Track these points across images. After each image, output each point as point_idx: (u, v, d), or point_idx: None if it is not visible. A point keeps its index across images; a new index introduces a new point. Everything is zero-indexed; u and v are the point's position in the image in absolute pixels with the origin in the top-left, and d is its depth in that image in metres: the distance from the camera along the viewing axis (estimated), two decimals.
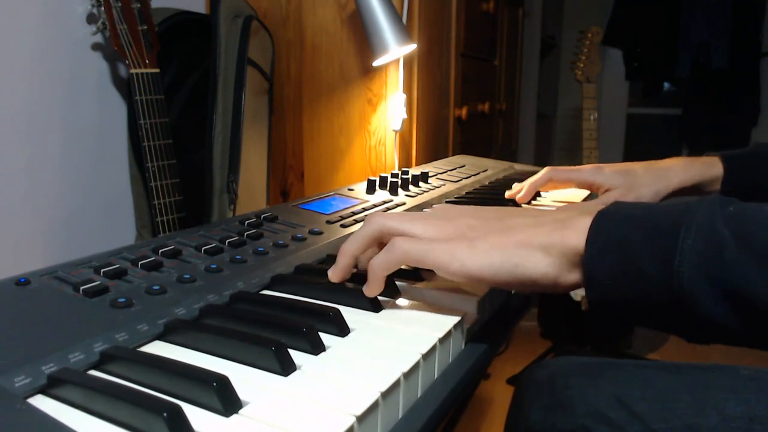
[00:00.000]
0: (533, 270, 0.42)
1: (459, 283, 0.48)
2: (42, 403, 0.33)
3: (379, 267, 0.45)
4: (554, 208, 0.57)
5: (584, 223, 0.42)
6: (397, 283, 0.50)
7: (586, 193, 0.94)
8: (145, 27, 1.01)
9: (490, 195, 0.94)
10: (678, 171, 0.81)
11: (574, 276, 0.42)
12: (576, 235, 0.41)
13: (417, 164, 1.34)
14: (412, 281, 0.52)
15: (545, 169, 0.86)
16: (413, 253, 0.44)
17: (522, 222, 0.45)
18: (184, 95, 1.17)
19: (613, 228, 0.40)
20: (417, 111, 1.34)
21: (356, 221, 0.69)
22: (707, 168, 0.81)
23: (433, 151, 1.46)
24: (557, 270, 0.42)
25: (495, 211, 0.49)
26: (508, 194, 0.87)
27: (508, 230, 0.44)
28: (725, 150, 0.83)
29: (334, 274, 0.49)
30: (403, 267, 0.49)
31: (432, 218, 0.48)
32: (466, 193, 0.95)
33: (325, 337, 0.41)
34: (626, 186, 0.80)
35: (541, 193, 0.93)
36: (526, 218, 0.46)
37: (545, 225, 0.44)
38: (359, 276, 0.50)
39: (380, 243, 0.49)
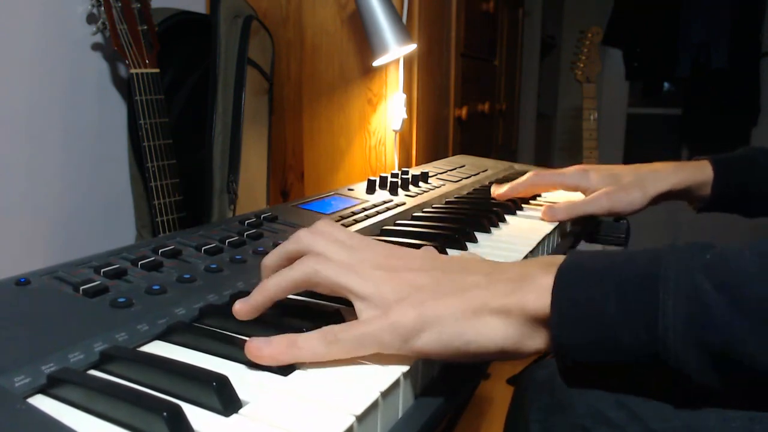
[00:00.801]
0: (488, 345, 0.37)
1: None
2: (42, 403, 0.33)
3: (307, 357, 0.37)
4: (511, 261, 0.49)
5: (545, 282, 0.37)
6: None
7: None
8: (145, 27, 1.01)
9: (490, 195, 0.94)
10: (667, 174, 0.79)
11: (537, 341, 0.38)
12: (536, 297, 0.37)
13: (417, 164, 1.34)
14: None
15: (529, 174, 0.85)
16: (350, 346, 0.37)
17: (473, 281, 0.39)
18: (184, 95, 1.17)
19: (579, 289, 0.36)
20: (417, 111, 1.34)
21: (356, 221, 0.69)
22: (697, 172, 0.79)
23: (433, 151, 1.46)
24: (516, 338, 0.37)
25: (443, 262, 0.42)
26: (493, 193, 0.87)
27: (458, 291, 0.38)
28: (725, 150, 0.82)
29: (242, 309, 0.41)
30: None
31: (371, 267, 0.41)
32: (467, 193, 0.95)
33: None
34: (614, 185, 0.78)
35: (542, 193, 0.93)
36: (477, 275, 0.40)
37: (499, 284, 0.38)
38: None
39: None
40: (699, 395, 0.36)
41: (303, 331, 0.39)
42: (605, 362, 0.36)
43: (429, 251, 0.46)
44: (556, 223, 0.76)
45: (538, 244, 0.66)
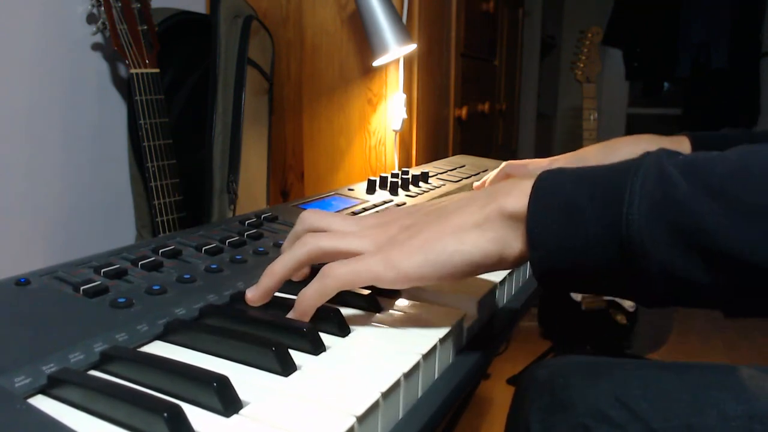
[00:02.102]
0: (472, 251, 0.39)
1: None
2: (42, 403, 0.33)
3: (312, 298, 0.42)
4: None
5: (525, 186, 0.39)
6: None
7: None
8: (145, 27, 1.01)
9: None
10: (640, 146, 0.73)
11: (518, 245, 0.39)
12: (516, 199, 0.39)
13: (417, 164, 1.34)
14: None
15: (502, 164, 0.83)
16: (347, 277, 0.41)
17: (455, 206, 0.42)
18: (184, 95, 1.17)
19: (556, 186, 0.38)
20: (417, 111, 1.34)
21: None
22: (674, 146, 0.73)
23: (433, 151, 1.46)
24: (499, 243, 0.39)
25: (433, 203, 0.46)
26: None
27: (440, 219, 0.42)
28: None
29: (254, 296, 0.44)
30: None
31: (368, 227, 0.45)
32: None
33: (326, 337, 0.40)
34: None
35: None
36: (460, 201, 0.43)
37: (478, 200, 0.41)
38: None
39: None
40: (667, 297, 0.35)
41: (302, 330, 0.39)
42: (576, 256, 0.36)
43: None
44: None
45: None
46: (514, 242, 0.39)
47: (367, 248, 0.42)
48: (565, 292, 0.40)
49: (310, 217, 0.47)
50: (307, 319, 0.43)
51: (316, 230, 0.46)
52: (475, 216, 0.40)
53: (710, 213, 0.32)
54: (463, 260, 0.40)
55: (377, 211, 0.49)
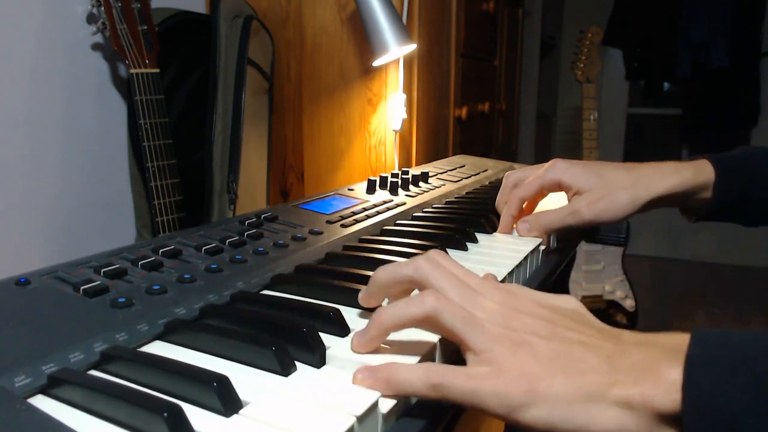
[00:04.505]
0: (602, 429, 0.35)
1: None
2: (42, 403, 0.33)
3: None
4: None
5: (672, 377, 0.34)
6: None
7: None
8: (145, 27, 1.01)
9: (490, 195, 0.94)
10: (665, 175, 0.69)
11: None
12: (664, 393, 0.33)
13: (417, 164, 1.34)
14: None
15: (513, 193, 0.73)
16: (457, 392, 0.36)
17: (592, 364, 0.36)
18: (184, 95, 1.17)
19: (713, 386, 0.32)
20: (417, 111, 1.34)
21: (356, 221, 0.69)
22: (697, 173, 0.71)
23: (433, 151, 1.46)
24: (636, 430, 0.34)
25: (568, 321, 0.40)
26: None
27: (574, 374, 0.36)
28: (725, 150, 0.78)
29: (358, 346, 0.40)
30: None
31: (492, 324, 0.38)
32: (466, 193, 0.95)
33: (326, 337, 0.40)
34: (599, 188, 0.68)
35: None
36: (598, 357, 0.37)
37: (620, 374, 0.35)
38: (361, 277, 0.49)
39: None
40: None
41: (302, 330, 0.39)
42: None
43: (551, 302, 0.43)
44: None
45: (537, 246, 0.66)
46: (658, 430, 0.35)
47: (483, 348, 0.37)
48: None
49: (425, 268, 0.42)
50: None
51: (432, 290, 0.40)
52: (616, 394, 0.35)
53: None
54: None
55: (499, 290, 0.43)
